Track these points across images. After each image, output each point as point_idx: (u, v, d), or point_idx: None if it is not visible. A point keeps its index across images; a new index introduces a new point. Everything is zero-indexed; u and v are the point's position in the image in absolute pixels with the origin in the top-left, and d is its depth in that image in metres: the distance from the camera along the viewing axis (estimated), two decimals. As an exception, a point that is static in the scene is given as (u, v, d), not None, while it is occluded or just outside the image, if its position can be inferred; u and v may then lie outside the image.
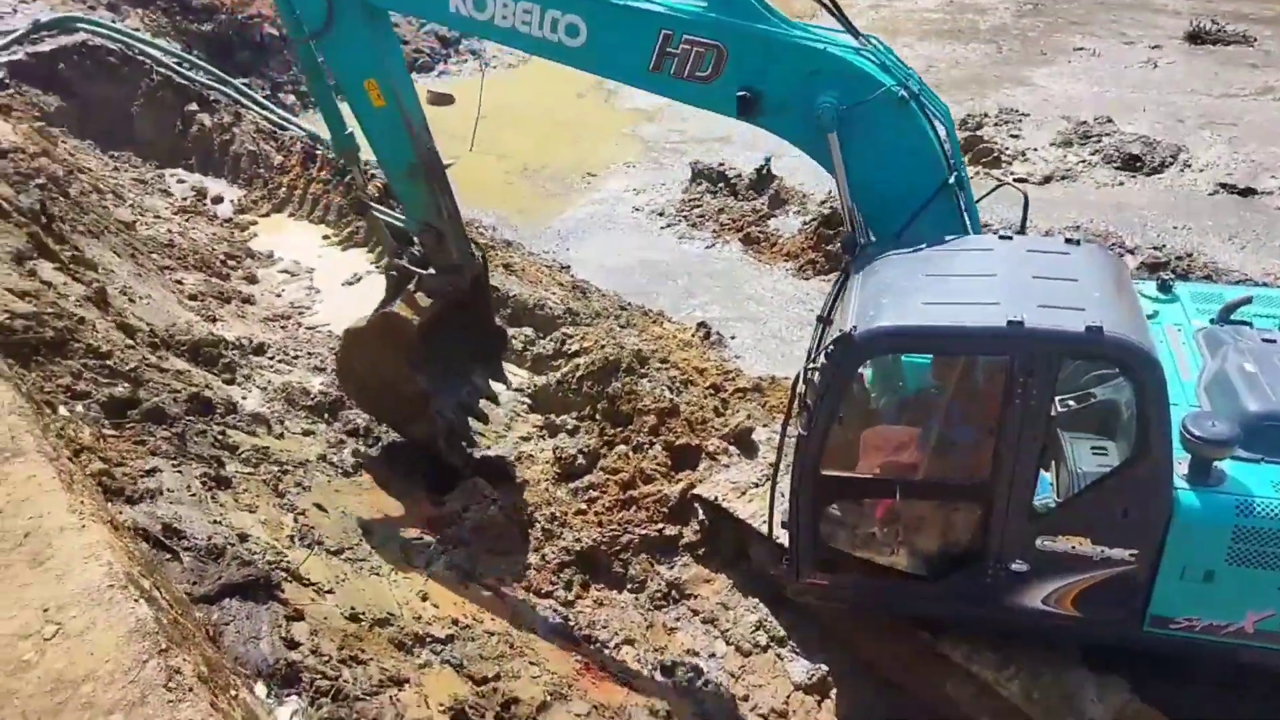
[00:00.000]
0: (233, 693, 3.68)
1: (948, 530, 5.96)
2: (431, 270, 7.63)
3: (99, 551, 3.74)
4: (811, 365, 5.42)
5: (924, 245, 5.96)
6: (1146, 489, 5.31)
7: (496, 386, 8.88)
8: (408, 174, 7.24)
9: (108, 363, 7.25)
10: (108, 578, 3.62)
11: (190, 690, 3.24)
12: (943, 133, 6.06)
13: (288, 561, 5.92)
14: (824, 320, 6.20)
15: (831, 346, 5.27)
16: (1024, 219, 7.02)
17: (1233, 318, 6.54)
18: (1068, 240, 6.18)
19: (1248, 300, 6.64)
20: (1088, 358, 5.64)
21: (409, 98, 7.09)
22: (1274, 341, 6.10)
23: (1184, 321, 6.67)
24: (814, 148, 6.00)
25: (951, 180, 6.03)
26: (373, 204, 7.96)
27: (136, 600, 3.52)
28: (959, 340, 5.40)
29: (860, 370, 5.89)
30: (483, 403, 8.69)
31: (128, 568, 3.73)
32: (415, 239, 7.63)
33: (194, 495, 6.06)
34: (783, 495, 6.04)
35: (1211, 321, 6.57)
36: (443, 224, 7.43)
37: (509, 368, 10.29)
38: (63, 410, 6.35)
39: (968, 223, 6.20)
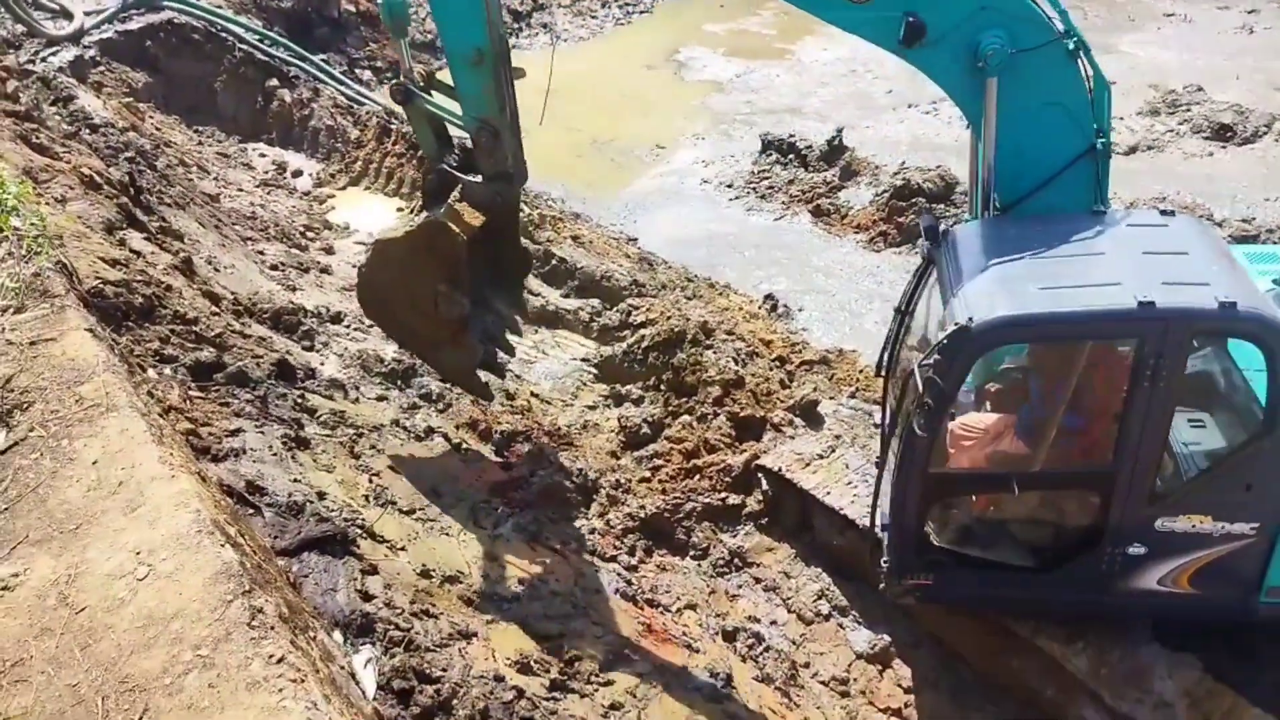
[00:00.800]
0: (311, 634, 3.87)
1: (1063, 519, 5.84)
2: (479, 177, 6.92)
3: (187, 500, 3.95)
4: (926, 362, 5.11)
5: (1008, 224, 5.80)
6: (1273, 462, 5.21)
7: (516, 316, 8.25)
8: (475, 60, 6.45)
9: (194, 328, 7.55)
10: (195, 524, 3.83)
11: (272, 629, 3.43)
12: (1101, 97, 5.76)
13: (363, 519, 6.14)
14: (902, 312, 6.09)
15: (946, 340, 5.04)
16: (1104, 191, 6.81)
17: None
18: (1162, 212, 6.00)
19: None
20: (1221, 334, 5.50)
21: None
22: None
23: None
24: (965, 92, 5.73)
25: (1098, 146, 5.79)
26: (420, 91, 6.95)
27: (222, 545, 3.73)
28: (1085, 325, 5.23)
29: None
30: (508, 333, 8.05)
31: (214, 515, 3.93)
32: (458, 143, 6.99)
33: (275, 455, 6.30)
34: (885, 495, 5.92)
35: (1275, 282, 6.34)
36: (502, 122, 6.75)
37: (575, 338, 10.48)
38: (151, 373, 6.65)
39: (1100, 193, 5.93)
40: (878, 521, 6.01)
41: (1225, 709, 5.63)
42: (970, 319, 5.01)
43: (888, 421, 6.30)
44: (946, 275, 5.58)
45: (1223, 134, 13.79)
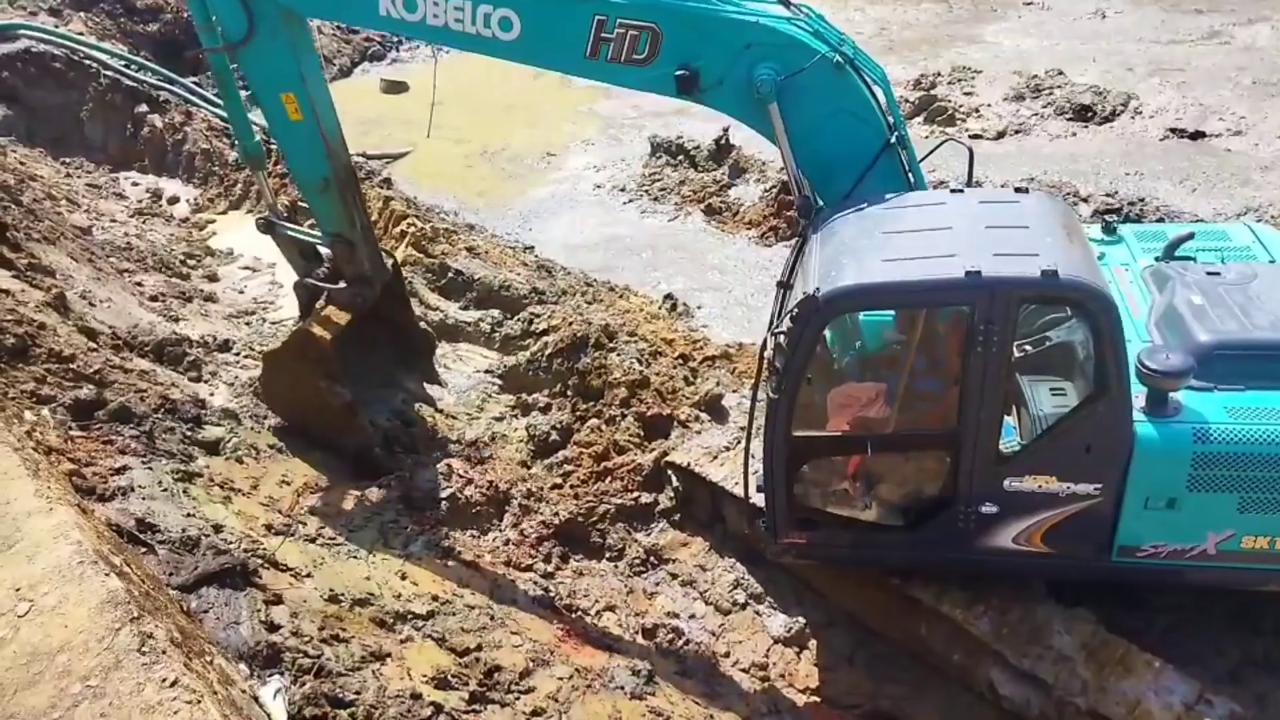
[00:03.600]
0: (207, 658, 3.75)
1: (919, 480, 6.10)
2: (342, 284, 7.69)
3: (67, 531, 3.81)
4: (777, 329, 5.49)
5: (877, 204, 6.05)
6: (1107, 424, 5.47)
7: (434, 390, 8.92)
8: (322, 188, 7.25)
9: (71, 366, 7.23)
10: (77, 555, 3.69)
11: (163, 653, 3.33)
12: (880, 95, 6.16)
13: (263, 549, 5.97)
14: (784, 285, 6.28)
15: (796, 309, 5.36)
16: (970, 173, 7.13)
17: (1177, 254, 6.72)
18: (1017, 189, 6.32)
19: (1190, 236, 6.82)
20: (1045, 301, 5.80)
21: (326, 111, 7.05)
22: (1217, 274, 6.27)
23: (1130, 261, 6.83)
24: (755, 120, 6.08)
25: (893, 140, 6.12)
26: (279, 221, 7.95)
27: (107, 574, 3.60)
28: (920, 294, 5.52)
29: (824, 332, 6.00)
30: (421, 408, 8.68)
31: (96, 545, 3.78)
32: (323, 255, 7.70)
33: (165, 490, 6.09)
34: (755, 458, 6.17)
35: (1156, 259, 6.73)
36: (355, 235, 7.51)
37: (478, 350, 10.37)
38: (29, 415, 6.35)
39: (912, 181, 6.31)
40: (752, 485, 6.20)
41: (1119, 657, 5.90)
42: (817, 289, 5.31)
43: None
44: (812, 250, 5.85)
45: (1084, 114, 14.51)
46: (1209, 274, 6.27)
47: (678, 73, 5.84)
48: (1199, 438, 5.43)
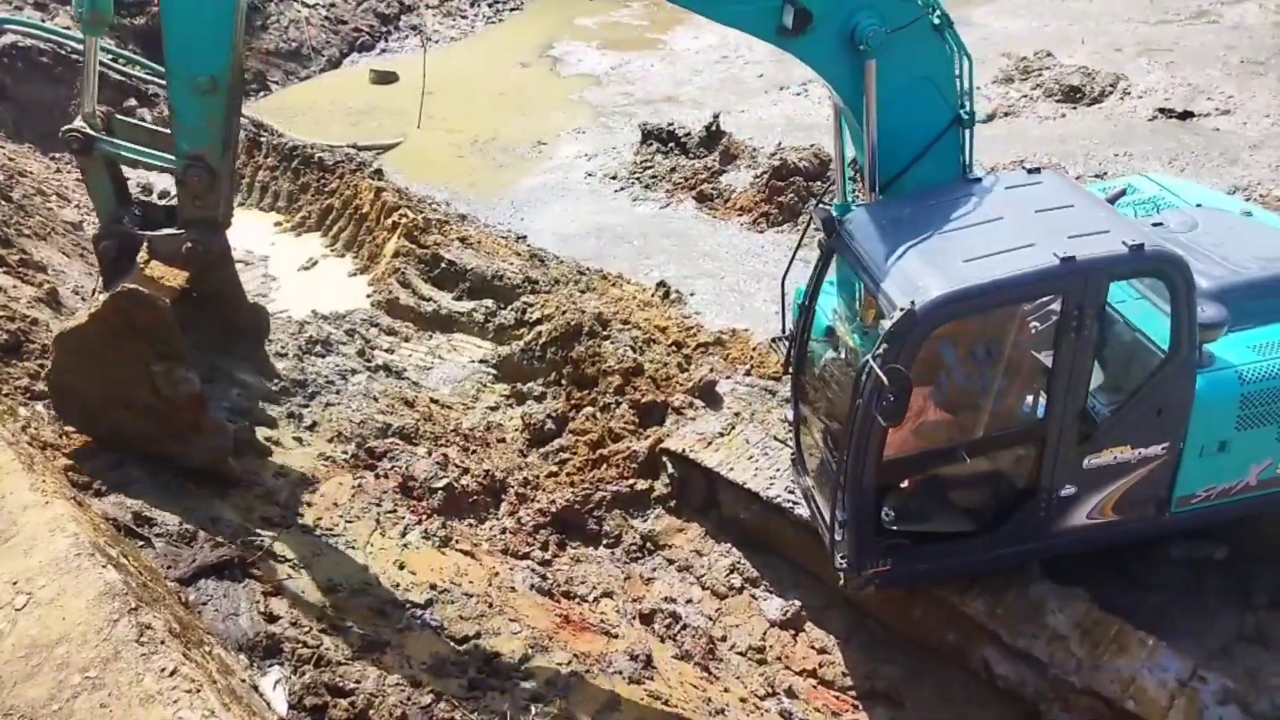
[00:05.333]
0: (206, 649, 3.78)
1: (1005, 477, 5.99)
2: (167, 231, 6.02)
3: (64, 524, 3.82)
4: (875, 353, 5.10)
5: (900, 206, 5.91)
6: (1179, 385, 5.60)
7: (268, 384, 7.31)
8: (208, 88, 5.75)
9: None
10: (74, 547, 3.70)
11: (162, 643, 3.35)
12: (964, 67, 5.96)
13: (261, 541, 5.99)
14: (806, 308, 6.20)
15: (893, 328, 5.07)
16: (970, 157, 7.11)
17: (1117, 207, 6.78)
18: (1028, 170, 6.32)
19: (1123, 193, 6.93)
20: (1135, 275, 5.75)
21: None
22: (1161, 225, 6.44)
23: None
24: (844, 77, 5.79)
25: (964, 114, 6.02)
26: (100, 136, 6.07)
27: (104, 566, 3.62)
28: (1017, 289, 5.38)
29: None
30: (261, 404, 7.11)
31: (93, 537, 3.80)
32: (131, 201, 6.19)
33: (163, 484, 6.09)
34: (811, 492, 6.16)
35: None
36: (220, 162, 5.95)
37: (472, 340, 10.40)
38: (23, 411, 6.35)
39: (965, 161, 6.17)
40: (824, 521, 6.05)
41: (1112, 635, 5.96)
42: (912, 302, 5.09)
43: (817, 421, 6.41)
44: (861, 265, 5.68)
45: (1072, 96, 14.53)
46: (1155, 224, 6.42)
47: (794, 6, 5.44)
48: (1243, 379, 5.67)
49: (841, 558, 5.87)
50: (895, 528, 5.79)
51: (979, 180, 6.12)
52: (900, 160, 6.01)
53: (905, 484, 6.02)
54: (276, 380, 7.52)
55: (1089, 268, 5.21)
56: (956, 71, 5.93)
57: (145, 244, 5.99)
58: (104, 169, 6.15)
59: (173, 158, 5.99)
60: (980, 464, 5.95)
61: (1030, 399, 5.86)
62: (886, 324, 5.15)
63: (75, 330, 5.82)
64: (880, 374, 4.98)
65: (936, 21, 5.75)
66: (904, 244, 5.56)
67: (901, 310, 5.07)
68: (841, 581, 5.99)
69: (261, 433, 7.07)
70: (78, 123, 6.04)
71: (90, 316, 5.78)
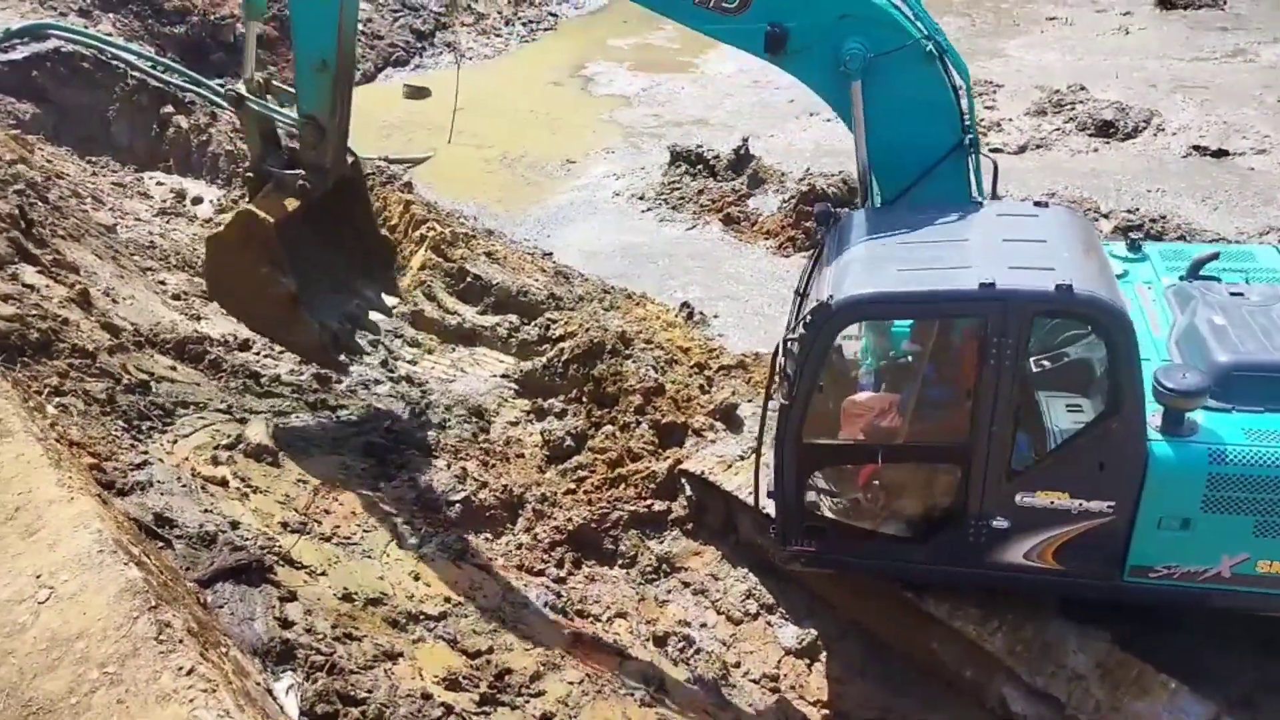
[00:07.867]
0: (223, 649, 3.78)
1: (930, 492, 6.09)
2: (289, 172, 7.37)
3: (88, 520, 3.86)
4: (790, 336, 5.50)
5: (896, 214, 6.06)
6: (1120, 441, 5.44)
7: (390, 300, 8.68)
8: (320, 67, 7.03)
9: (93, 362, 7.30)
10: (97, 544, 3.73)
11: (180, 642, 3.37)
12: (963, 93, 6.10)
13: (280, 546, 6.01)
14: (801, 294, 6.30)
15: (810, 316, 5.37)
16: (994, 187, 7.11)
17: (1201, 273, 6.68)
18: (1036, 203, 6.31)
19: (1215, 256, 6.77)
20: (1058, 315, 5.75)
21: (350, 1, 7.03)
22: (1241, 295, 6.23)
23: (1154, 279, 6.79)
24: (834, 95, 6.01)
25: (966, 141, 6.08)
26: (249, 95, 7.48)
27: (126, 563, 3.64)
28: (933, 304, 5.53)
29: (840, 339, 5.99)
30: (373, 315, 8.49)
31: (116, 535, 3.82)
32: (282, 146, 7.43)
33: (184, 486, 6.14)
34: (767, 466, 6.15)
35: (1180, 278, 6.69)
36: (329, 122, 7.20)
37: (494, 354, 10.42)
38: (51, 408, 6.42)
39: (974, 185, 6.24)
40: (762, 491, 6.20)
41: (1134, 677, 5.86)
42: (830, 296, 5.33)
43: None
44: (826, 258, 5.86)
45: (1105, 130, 14.45)
46: (1232, 294, 6.23)
47: (768, 29, 5.73)
48: (1215, 458, 5.39)
49: (772, 528, 6.18)
50: (819, 512, 6.03)
51: (980, 204, 6.18)
52: (903, 177, 6.12)
53: (846, 473, 6.19)
54: (397, 300, 9.04)
55: (1007, 297, 5.19)
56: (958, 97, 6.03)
57: (273, 179, 7.42)
58: (254, 121, 7.57)
59: (295, 116, 7.32)
60: (905, 471, 6.10)
61: (958, 419, 5.80)
62: (805, 312, 5.48)
63: (216, 235, 7.64)
64: (782, 355, 5.43)
65: (930, 49, 5.81)
66: (864, 246, 5.72)
67: (818, 302, 5.37)
68: (771, 551, 6.24)
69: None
70: (240, 85, 7.55)
71: (225, 225, 7.56)
